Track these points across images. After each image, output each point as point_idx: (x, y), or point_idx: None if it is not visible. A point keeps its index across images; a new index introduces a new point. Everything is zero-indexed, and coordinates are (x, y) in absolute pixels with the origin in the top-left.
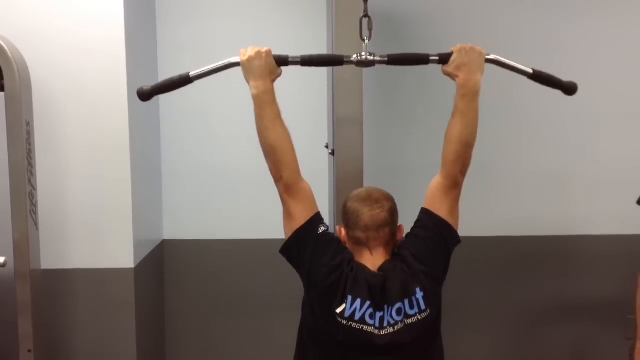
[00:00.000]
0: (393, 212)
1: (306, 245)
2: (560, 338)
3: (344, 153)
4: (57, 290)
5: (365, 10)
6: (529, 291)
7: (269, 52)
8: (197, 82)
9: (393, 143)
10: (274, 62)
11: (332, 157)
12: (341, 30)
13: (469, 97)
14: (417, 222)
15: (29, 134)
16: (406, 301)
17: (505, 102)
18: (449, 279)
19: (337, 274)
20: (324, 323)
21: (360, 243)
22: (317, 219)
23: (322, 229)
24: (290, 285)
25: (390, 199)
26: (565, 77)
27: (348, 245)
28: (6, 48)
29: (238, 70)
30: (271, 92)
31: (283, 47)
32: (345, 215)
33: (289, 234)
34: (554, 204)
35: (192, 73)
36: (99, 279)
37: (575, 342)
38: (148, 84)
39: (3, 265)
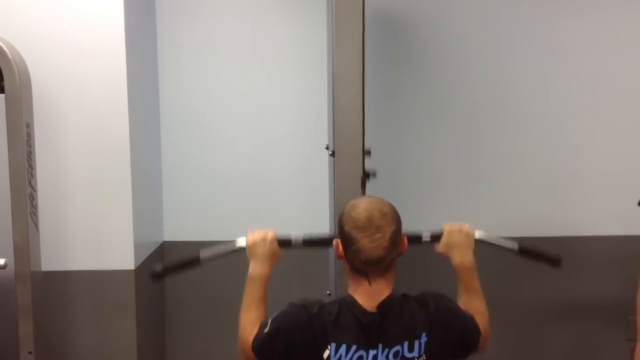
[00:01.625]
0: (395, 237)
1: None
2: (561, 339)
3: (344, 156)
4: (57, 291)
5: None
6: (529, 292)
7: (273, 239)
8: (195, 86)
9: (394, 145)
10: (277, 246)
11: (332, 158)
12: (341, 29)
13: (469, 274)
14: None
15: (29, 135)
16: (406, 343)
17: (504, 104)
18: (451, 281)
19: (310, 328)
20: None
21: (359, 271)
22: (262, 328)
23: (268, 328)
24: (289, 287)
25: (391, 219)
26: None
27: (346, 267)
28: (6, 49)
29: (238, 67)
30: (266, 278)
31: (282, 47)
32: (343, 239)
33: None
34: (553, 205)
35: (202, 256)
36: (99, 281)
37: (576, 343)
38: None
39: (3, 267)
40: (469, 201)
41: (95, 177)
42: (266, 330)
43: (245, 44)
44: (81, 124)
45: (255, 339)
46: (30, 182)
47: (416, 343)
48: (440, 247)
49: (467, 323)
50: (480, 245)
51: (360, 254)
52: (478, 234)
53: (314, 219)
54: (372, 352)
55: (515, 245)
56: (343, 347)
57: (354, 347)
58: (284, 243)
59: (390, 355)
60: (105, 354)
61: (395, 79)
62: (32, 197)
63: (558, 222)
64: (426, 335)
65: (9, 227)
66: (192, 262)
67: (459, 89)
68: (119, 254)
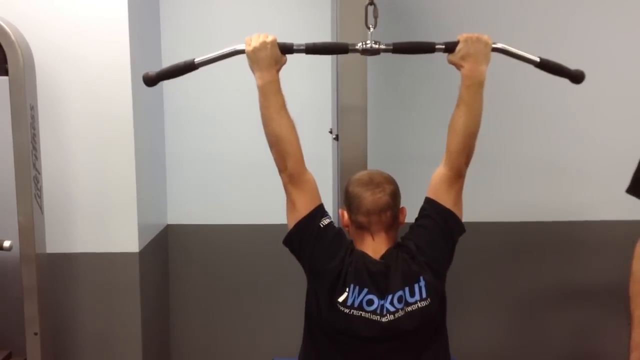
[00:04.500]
0: (395, 195)
1: (308, 237)
2: (563, 324)
3: (348, 139)
4: (62, 274)
5: None
6: (532, 277)
7: (274, 42)
8: (201, 69)
9: (397, 130)
10: (278, 51)
11: (336, 142)
12: (346, 17)
13: (474, 88)
14: (422, 212)
15: (33, 118)
16: (407, 289)
17: (507, 90)
18: (452, 265)
19: (338, 264)
20: (327, 313)
21: (362, 227)
22: (319, 211)
23: (324, 222)
24: (293, 270)
25: (392, 181)
26: (568, 63)
27: (350, 229)
28: (9, 31)
29: (241, 57)
30: (276, 82)
31: (287, 32)
32: (348, 199)
33: (292, 225)
34: (556, 190)
35: (197, 59)
36: (104, 263)
37: (578, 328)
38: (152, 69)
39: (9, 248)
40: (472, 186)
41: (99, 160)
42: (325, 221)
43: (249, 29)
44: (85, 107)
45: (313, 212)
46: (34, 165)
47: (416, 287)
48: (454, 56)
49: (449, 233)
50: (499, 53)
51: (363, 205)
52: (498, 44)
53: None
54: (379, 300)
55: (536, 58)
56: (357, 288)
57: (365, 290)
58: (286, 48)
59: (395, 301)
60: (110, 335)
61: (400, 66)
62: (37, 180)
63: (560, 207)
64: (423, 279)
65: (14, 210)
66: (187, 67)
67: None
68: (123, 236)
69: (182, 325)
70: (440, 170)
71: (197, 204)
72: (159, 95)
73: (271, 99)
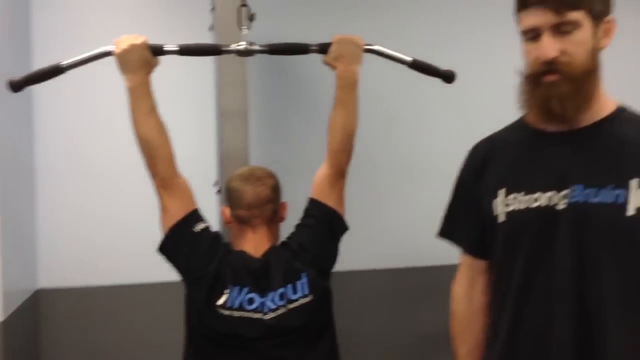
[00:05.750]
0: (276, 189)
1: (183, 242)
2: None
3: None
4: None
5: (244, 0)
6: (409, 322)
7: (144, 44)
8: (75, 125)
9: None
10: (149, 53)
11: (220, 195)
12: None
13: (348, 87)
14: (306, 212)
15: None
16: (289, 286)
17: (390, 137)
18: (339, 315)
19: (215, 267)
20: (208, 318)
21: (243, 221)
22: (194, 215)
23: (199, 227)
24: (180, 331)
25: (272, 176)
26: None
27: (232, 225)
28: None
29: (121, 111)
30: (146, 85)
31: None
32: (229, 194)
33: (166, 231)
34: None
35: (64, 62)
36: None
37: None
38: (19, 75)
39: None
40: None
41: None
42: (200, 226)
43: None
44: None
45: (187, 216)
46: None
47: (298, 284)
48: (328, 57)
49: (332, 231)
50: (372, 54)
51: (244, 198)
52: (370, 46)
53: None
54: (260, 298)
55: (408, 58)
56: (236, 289)
57: (245, 289)
58: (157, 50)
59: (277, 298)
60: None
61: (283, 115)
62: None
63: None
64: (306, 276)
65: None
66: (54, 71)
67: None
68: None
69: None
70: (322, 171)
71: (71, 265)
72: (27, 143)
73: (141, 102)
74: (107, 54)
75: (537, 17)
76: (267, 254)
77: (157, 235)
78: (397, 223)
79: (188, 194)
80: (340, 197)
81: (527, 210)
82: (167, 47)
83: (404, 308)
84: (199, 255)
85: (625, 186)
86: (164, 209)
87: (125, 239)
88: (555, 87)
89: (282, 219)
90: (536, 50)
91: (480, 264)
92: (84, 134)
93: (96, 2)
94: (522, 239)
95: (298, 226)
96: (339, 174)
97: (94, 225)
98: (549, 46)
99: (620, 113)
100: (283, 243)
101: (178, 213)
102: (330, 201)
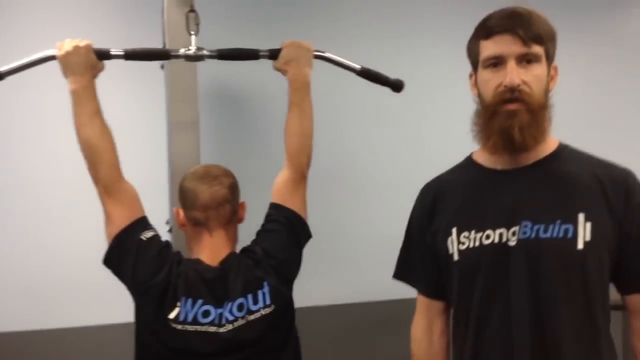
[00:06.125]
0: (234, 189)
1: (128, 251)
2: None
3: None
4: None
5: (192, 5)
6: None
7: (88, 47)
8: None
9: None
10: (94, 57)
11: (171, 234)
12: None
13: (302, 90)
14: (268, 217)
15: None
16: (250, 296)
17: (341, 172)
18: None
19: (165, 277)
20: (160, 333)
21: (199, 224)
22: (141, 223)
23: (147, 234)
24: None
25: (230, 175)
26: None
27: (187, 228)
28: None
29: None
30: (91, 88)
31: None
32: (182, 195)
33: (110, 239)
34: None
35: (3, 69)
36: None
37: None
38: None
39: None
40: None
41: None
42: (148, 234)
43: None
44: None
45: (133, 224)
46: None
47: (260, 294)
48: (278, 62)
49: (297, 236)
50: (321, 60)
51: (199, 199)
52: (319, 52)
53: None
54: (216, 309)
55: (357, 66)
56: (189, 301)
57: (199, 302)
58: (102, 54)
59: (235, 309)
60: None
61: (236, 151)
62: None
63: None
64: (268, 284)
65: None
66: None
67: None
68: None
69: None
70: (283, 175)
71: (20, 307)
72: None
73: (84, 105)
74: (49, 58)
75: (504, 46)
76: (226, 262)
77: (103, 277)
78: (350, 257)
79: (134, 200)
80: (303, 202)
81: (481, 247)
82: (113, 51)
83: (361, 344)
84: (145, 265)
85: (573, 221)
86: (108, 217)
87: (80, 278)
88: (516, 116)
89: (240, 219)
90: (499, 77)
91: (438, 305)
92: (33, 169)
93: (42, 9)
94: (477, 275)
95: (260, 232)
96: (300, 177)
97: (46, 264)
98: (516, 73)
99: (562, 150)
100: (244, 250)
101: (122, 221)
102: (293, 205)
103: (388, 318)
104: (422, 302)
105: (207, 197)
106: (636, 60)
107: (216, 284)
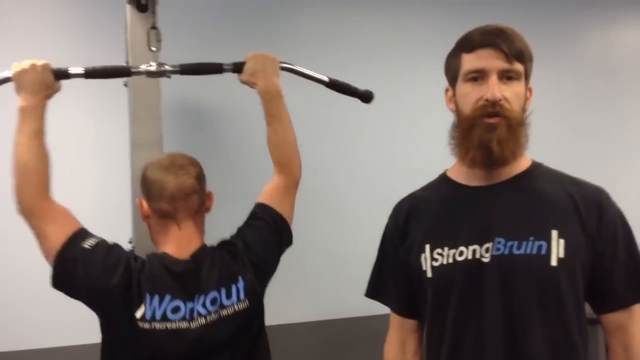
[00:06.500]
0: (201, 178)
1: (75, 262)
2: None
3: (145, 249)
4: None
5: (154, 23)
6: None
7: (45, 66)
8: None
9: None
10: (51, 76)
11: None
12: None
13: (275, 100)
14: (253, 215)
15: None
16: (223, 290)
17: (313, 190)
18: None
19: (123, 275)
20: (127, 336)
21: (166, 216)
22: (80, 234)
23: (90, 242)
24: None
25: (196, 164)
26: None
27: (152, 220)
28: None
29: None
30: (40, 108)
31: (81, 136)
32: (146, 185)
33: (52, 261)
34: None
35: None
36: None
37: None
38: None
39: None
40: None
41: None
42: (90, 242)
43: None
44: None
45: (71, 238)
46: None
47: (233, 288)
48: (244, 75)
49: (279, 238)
50: (288, 72)
51: (166, 190)
52: (286, 64)
53: None
54: (187, 304)
55: (325, 78)
56: (156, 298)
57: (167, 297)
58: (61, 74)
59: (208, 302)
60: None
61: (199, 143)
62: None
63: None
64: (243, 279)
65: None
66: None
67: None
68: None
69: None
70: (274, 181)
71: None
72: None
73: (28, 123)
74: (5, 80)
75: (486, 60)
76: (197, 254)
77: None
78: (322, 273)
79: (65, 216)
80: (290, 209)
81: (454, 263)
82: (72, 70)
83: None
84: (97, 270)
85: (546, 238)
86: (42, 237)
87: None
88: (496, 129)
89: (208, 209)
90: (479, 91)
91: (411, 323)
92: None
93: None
94: (451, 291)
95: (243, 227)
96: (292, 184)
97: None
98: (498, 87)
99: (536, 168)
100: (223, 242)
101: (59, 237)
102: (281, 209)
103: (360, 335)
104: (395, 320)
105: (174, 188)
106: (595, 83)
107: (186, 278)
